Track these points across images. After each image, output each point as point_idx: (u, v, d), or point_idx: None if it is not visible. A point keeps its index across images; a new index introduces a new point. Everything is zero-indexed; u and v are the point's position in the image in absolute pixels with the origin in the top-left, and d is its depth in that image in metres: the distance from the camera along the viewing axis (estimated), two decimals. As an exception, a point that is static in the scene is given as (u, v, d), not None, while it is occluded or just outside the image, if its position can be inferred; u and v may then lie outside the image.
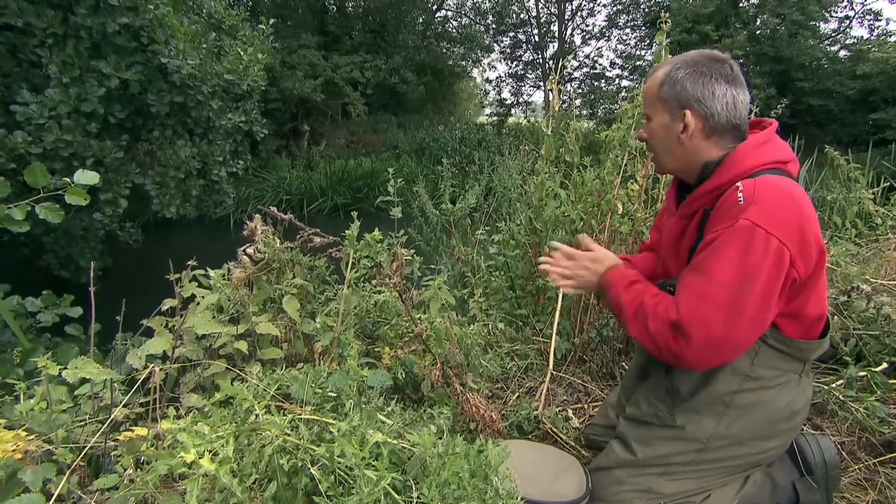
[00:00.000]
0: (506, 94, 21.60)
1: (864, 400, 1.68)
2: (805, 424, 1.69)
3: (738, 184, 1.01)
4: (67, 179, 1.64)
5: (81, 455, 1.06)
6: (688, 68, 1.09)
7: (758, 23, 15.50)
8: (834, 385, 1.79)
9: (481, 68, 22.03)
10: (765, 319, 1.00)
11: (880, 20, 16.13)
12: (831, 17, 16.22)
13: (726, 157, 1.09)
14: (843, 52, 16.05)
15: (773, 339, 1.10)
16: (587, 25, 20.70)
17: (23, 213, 1.68)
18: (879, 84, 13.82)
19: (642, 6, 18.56)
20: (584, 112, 18.15)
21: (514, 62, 21.24)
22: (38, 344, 2.08)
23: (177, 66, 4.51)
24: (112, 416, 1.16)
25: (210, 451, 0.82)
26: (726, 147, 1.11)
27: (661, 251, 1.33)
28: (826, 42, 16.50)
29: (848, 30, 16.70)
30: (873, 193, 3.16)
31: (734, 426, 1.16)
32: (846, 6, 16.19)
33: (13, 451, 0.96)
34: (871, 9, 16.09)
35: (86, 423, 1.23)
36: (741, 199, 0.98)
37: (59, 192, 1.66)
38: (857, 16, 16.41)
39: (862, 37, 16.37)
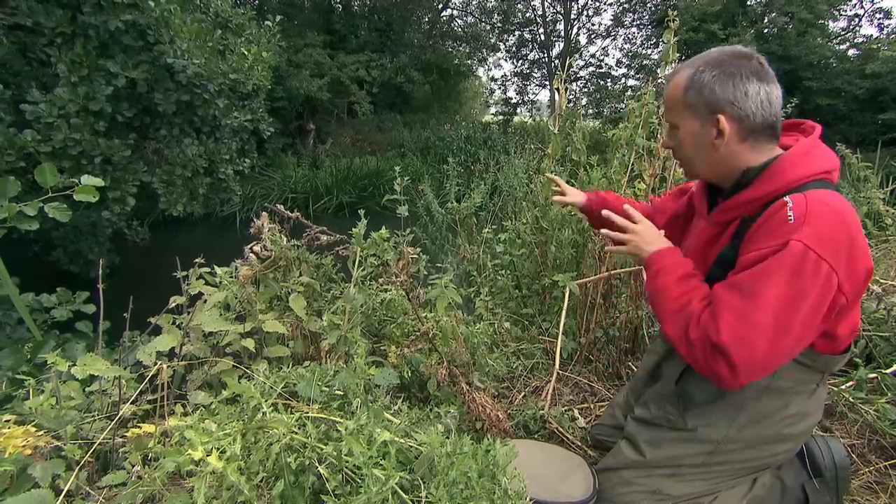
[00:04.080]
0: (511, 93, 21.60)
1: (874, 402, 1.66)
2: (815, 427, 1.68)
3: (787, 199, 0.95)
4: (76, 180, 1.66)
5: (90, 451, 1.07)
6: (714, 69, 1.02)
7: (765, 21, 15.39)
8: (844, 387, 1.77)
9: (487, 67, 22.01)
10: (806, 341, 0.96)
11: (890, 18, 15.98)
12: (840, 15, 16.08)
13: (769, 164, 1.03)
14: (852, 51, 15.91)
15: (801, 354, 1.05)
16: (593, 24, 20.62)
17: (34, 212, 1.70)
18: (889, 83, 13.70)
19: (648, 5, 18.45)
20: (590, 111, 18.08)
21: (520, 61, 21.19)
22: (48, 339, 2.10)
23: (182, 66, 4.52)
24: (120, 412, 1.16)
25: (217, 449, 0.82)
26: (762, 149, 1.05)
27: (684, 252, 1.23)
28: (835, 41, 16.35)
29: (857, 28, 16.56)
30: (883, 193, 3.13)
31: (746, 430, 1.15)
32: (856, 4, 16.06)
33: (23, 446, 0.97)
34: (881, 7, 16.00)
35: (94, 420, 1.24)
36: (791, 216, 0.92)
37: (69, 191, 1.67)
38: (866, 14, 16.27)
39: (871, 35, 16.26)
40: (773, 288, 0.91)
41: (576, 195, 1.61)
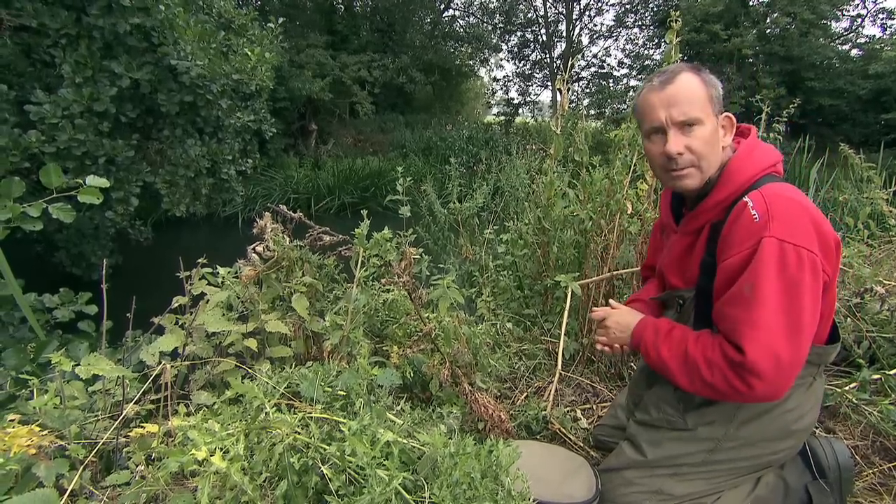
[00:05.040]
0: (513, 94, 21.60)
1: (877, 403, 1.65)
2: (817, 427, 1.67)
3: (747, 199, 1.01)
4: (80, 181, 1.66)
5: (94, 451, 1.07)
6: (709, 74, 1.10)
7: (768, 21, 15.34)
8: (847, 388, 1.77)
9: (488, 67, 22.04)
10: (814, 329, 0.99)
11: (893, 19, 15.92)
12: (843, 15, 16.03)
13: (723, 169, 1.10)
14: (854, 51, 15.86)
15: None
16: (595, 25, 20.65)
17: (38, 212, 1.70)
18: (892, 84, 13.64)
19: (650, 5, 18.44)
20: (592, 112, 18.08)
21: (522, 62, 21.19)
22: (51, 339, 2.11)
23: (186, 67, 4.54)
24: (124, 412, 1.17)
25: (221, 449, 0.82)
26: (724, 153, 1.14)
27: (663, 267, 1.31)
28: (837, 41, 16.30)
29: (860, 28, 16.51)
30: (887, 194, 3.12)
31: (745, 428, 1.15)
32: (859, 4, 16.01)
33: (27, 446, 0.97)
34: (884, 7, 15.92)
35: (98, 419, 1.24)
36: (756, 215, 0.97)
37: (73, 192, 1.68)
38: (869, 14, 16.22)
39: (874, 35, 16.20)
40: (769, 290, 0.94)
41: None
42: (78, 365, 1.14)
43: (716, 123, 1.09)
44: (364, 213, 1.57)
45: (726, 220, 1.05)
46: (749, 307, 0.95)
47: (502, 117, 20.55)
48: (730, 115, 1.11)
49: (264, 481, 0.87)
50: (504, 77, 22.23)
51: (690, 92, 1.07)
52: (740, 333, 0.96)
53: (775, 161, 1.10)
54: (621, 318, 1.28)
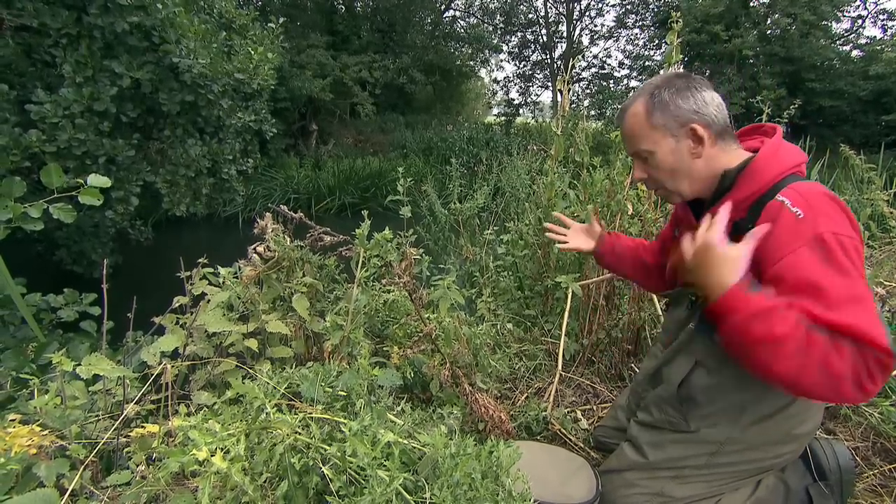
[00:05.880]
0: (514, 94, 21.61)
1: (878, 405, 1.66)
2: (818, 429, 1.67)
3: (782, 199, 0.96)
4: (80, 181, 1.66)
5: (94, 451, 1.07)
6: (669, 88, 1.09)
7: (768, 22, 15.35)
8: (847, 389, 1.76)
9: (489, 68, 22.05)
10: None
11: (894, 20, 15.93)
12: (844, 16, 16.05)
13: (745, 166, 1.06)
14: (855, 53, 15.88)
15: None
16: (595, 25, 20.70)
17: (38, 212, 1.70)
18: (893, 85, 13.66)
19: (651, 6, 18.46)
20: (593, 112, 18.09)
21: (522, 62, 21.21)
22: (52, 339, 2.11)
23: (188, 66, 4.54)
24: (124, 412, 1.17)
25: (221, 449, 0.82)
26: (729, 149, 1.10)
27: (676, 263, 1.26)
28: (838, 42, 16.31)
29: (861, 30, 16.54)
30: (887, 195, 3.11)
31: (749, 431, 1.15)
32: (859, 6, 16.01)
33: (28, 446, 0.97)
34: (884, 8, 15.92)
35: (98, 419, 1.24)
36: (798, 213, 0.93)
37: (74, 192, 1.68)
38: (870, 15, 16.23)
39: (875, 37, 16.21)
40: (853, 282, 0.86)
41: (582, 242, 1.59)
42: (78, 365, 1.14)
43: (672, 144, 1.09)
44: (364, 213, 1.57)
45: (750, 219, 1.01)
46: (857, 303, 0.85)
47: (503, 118, 20.55)
48: (695, 125, 1.06)
49: (265, 482, 0.87)
50: (504, 78, 22.31)
51: (632, 129, 1.14)
52: (873, 326, 0.82)
53: (800, 161, 1.07)
54: (728, 254, 0.95)
